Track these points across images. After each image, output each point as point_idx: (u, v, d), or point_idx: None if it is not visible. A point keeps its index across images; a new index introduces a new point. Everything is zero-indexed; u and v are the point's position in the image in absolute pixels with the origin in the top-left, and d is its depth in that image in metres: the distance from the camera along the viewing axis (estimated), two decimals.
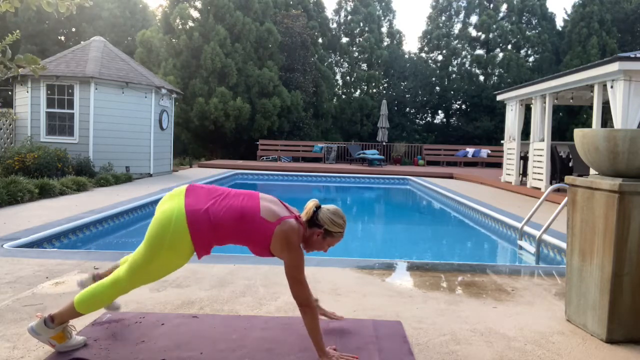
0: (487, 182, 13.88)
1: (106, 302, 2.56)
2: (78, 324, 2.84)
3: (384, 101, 22.69)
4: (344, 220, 2.58)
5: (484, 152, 21.97)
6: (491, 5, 29.05)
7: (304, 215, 2.55)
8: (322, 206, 2.58)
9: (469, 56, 28.97)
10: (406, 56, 29.84)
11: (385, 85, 28.96)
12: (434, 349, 2.70)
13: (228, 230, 2.42)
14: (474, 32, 29.26)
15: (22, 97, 11.85)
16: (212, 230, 2.40)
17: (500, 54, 27.86)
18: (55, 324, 2.45)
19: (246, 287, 3.71)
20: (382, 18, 29.27)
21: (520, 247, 6.08)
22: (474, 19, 29.26)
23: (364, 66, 28.41)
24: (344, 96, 28.10)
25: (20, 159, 9.81)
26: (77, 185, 9.38)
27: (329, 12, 29.05)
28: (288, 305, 3.32)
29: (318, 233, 2.53)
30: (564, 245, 5.17)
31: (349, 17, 28.65)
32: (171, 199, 2.52)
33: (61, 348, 2.48)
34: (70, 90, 11.60)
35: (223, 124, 20.87)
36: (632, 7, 26.61)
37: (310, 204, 2.55)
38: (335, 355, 2.47)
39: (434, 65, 29.22)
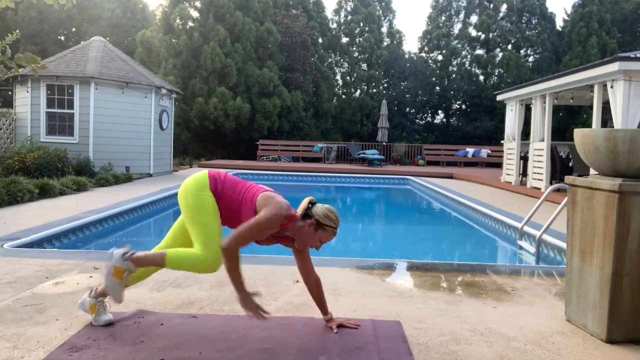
0: (487, 182, 13.88)
1: (192, 270, 2.65)
2: (77, 324, 2.85)
3: (384, 101, 22.70)
4: (337, 217, 2.70)
5: (484, 152, 21.97)
6: (491, 5, 29.06)
7: (299, 210, 2.70)
8: (317, 203, 2.74)
9: (468, 56, 28.99)
10: (406, 56, 29.85)
11: (385, 85, 28.97)
12: (434, 349, 2.70)
13: (229, 190, 2.68)
14: (473, 32, 29.28)
15: (22, 97, 11.85)
16: (222, 185, 2.69)
17: (500, 54, 27.87)
18: (130, 258, 2.65)
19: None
20: (382, 18, 29.28)
21: (520, 247, 6.08)
22: (474, 18, 29.29)
23: (364, 66, 28.42)
24: (344, 96, 28.10)
25: (20, 159, 9.81)
26: (77, 185, 9.38)
27: (329, 12, 29.11)
28: (288, 305, 3.32)
29: (310, 224, 2.64)
30: (564, 245, 5.17)
31: (349, 17, 28.65)
32: None
33: (110, 284, 2.67)
34: (70, 90, 11.60)
35: (223, 124, 20.88)
36: (631, 7, 26.61)
37: (306, 200, 2.72)
38: (253, 302, 2.57)
39: (434, 65, 29.23)
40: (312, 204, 2.70)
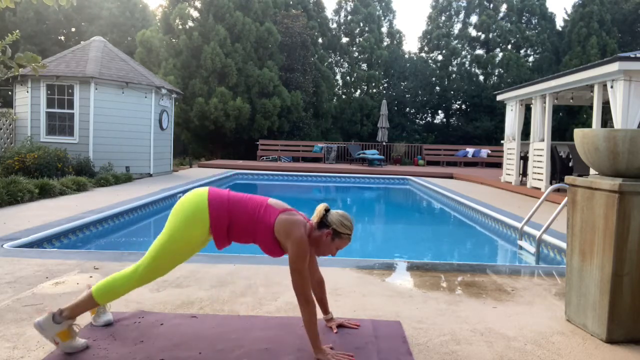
0: (487, 182, 13.88)
1: (126, 291, 2.56)
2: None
3: (384, 101, 22.70)
4: (352, 223, 2.66)
5: (484, 152, 21.97)
6: (491, 5, 29.06)
7: (314, 217, 2.65)
8: (331, 210, 2.69)
9: (468, 56, 28.99)
10: (406, 56, 29.85)
11: (385, 85, 28.96)
12: (434, 349, 2.70)
13: (238, 209, 2.56)
14: (473, 32, 29.28)
15: (22, 97, 11.85)
16: (227, 203, 2.56)
17: (500, 54, 27.87)
18: (63, 318, 2.48)
19: (246, 287, 3.71)
20: (382, 18, 29.29)
21: (520, 247, 6.08)
22: (473, 19, 29.29)
23: (364, 66, 28.42)
24: (344, 96, 28.10)
25: (20, 159, 9.81)
26: (77, 185, 9.38)
27: (329, 12, 29.10)
28: (288, 305, 3.32)
29: (327, 234, 2.59)
30: (564, 245, 5.17)
31: (349, 17, 28.66)
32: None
33: (64, 348, 2.48)
34: (70, 90, 11.60)
35: (223, 124, 20.88)
36: (631, 7, 26.61)
37: (321, 207, 2.66)
38: (331, 354, 2.48)
39: (434, 65, 29.23)
40: (327, 211, 2.64)
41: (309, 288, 2.48)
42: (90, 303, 2.55)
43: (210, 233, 2.56)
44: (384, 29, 29.38)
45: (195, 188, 2.68)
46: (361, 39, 28.04)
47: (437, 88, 28.85)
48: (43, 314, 2.49)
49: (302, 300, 2.46)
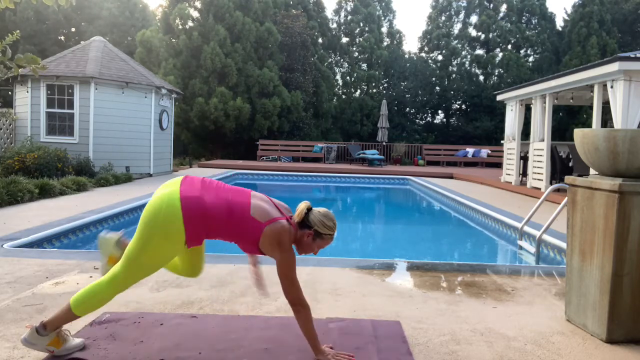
0: (487, 182, 13.87)
1: (105, 301, 2.46)
2: (76, 324, 2.84)
3: (384, 101, 22.70)
4: (334, 223, 2.58)
5: (484, 152, 21.97)
6: (491, 5, 29.06)
7: (295, 217, 2.55)
8: (313, 208, 2.59)
9: (468, 56, 29.00)
10: (406, 56, 29.85)
11: (385, 85, 28.97)
12: (434, 349, 2.70)
13: (218, 223, 2.42)
14: (473, 32, 29.29)
15: (22, 97, 11.85)
16: (203, 218, 2.39)
17: (500, 54, 27.88)
18: (48, 330, 2.41)
19: (246, 287, 3.70)
20: (382, 18, 29.29)
21: (520, 247, 6.08)
22: (473, 19, 29.30)
23: (364, 66, 28.42)
24: (344, 96, 28.10)
25: (20, 159, 9.81)
26: (77, 185, 9.38)
27: (329, 12, 29.10)
28: (288, 305, 3.30)
29: (308, 234, 2.52)
30: (564, 245, 5.16)
31: (349, 17, 28.66)
32: (165, 187, 2.50)
33: (61, 352, 2.45)
34: (70, 90, 11.60)
35: (223, 124, 20.88)
36: (631, 7, 26.62)
37: (302, 206, 2.56)
38: (332, 354, 2.48)
39: (434, 65, 29.23)
40: (309, 210, 2.56)
41: (301, 292, 2.48)
42: (69, 315, 2.44)
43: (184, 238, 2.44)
44: (384, 29, 29.38)
45: (168, 185, 2.49)
46: (361, 39, 28.04)
47: (437, 88, 28.86)
48: (27, 330, 2.43)
49: (297, 306, 2.45)
